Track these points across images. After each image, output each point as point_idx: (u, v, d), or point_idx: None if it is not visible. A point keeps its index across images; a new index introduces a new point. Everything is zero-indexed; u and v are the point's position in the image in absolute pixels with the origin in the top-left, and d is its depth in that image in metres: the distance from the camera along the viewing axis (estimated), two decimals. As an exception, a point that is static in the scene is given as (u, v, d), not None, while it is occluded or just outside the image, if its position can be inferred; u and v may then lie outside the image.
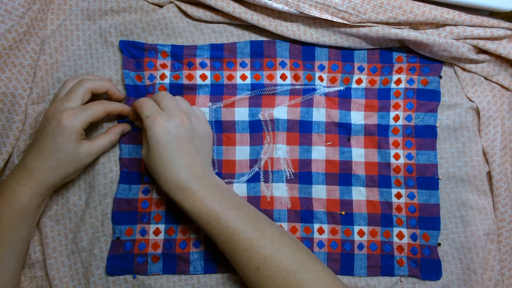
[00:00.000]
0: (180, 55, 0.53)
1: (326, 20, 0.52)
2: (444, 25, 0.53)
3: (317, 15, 0.50)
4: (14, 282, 0.46)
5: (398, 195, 0.53)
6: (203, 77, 0.53)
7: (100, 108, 0.47)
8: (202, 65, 0.53)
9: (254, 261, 0.42)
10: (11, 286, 0.45)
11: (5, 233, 0.43)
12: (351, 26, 0.52)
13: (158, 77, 0.53)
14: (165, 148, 0.43)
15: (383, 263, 0.51)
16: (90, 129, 0.51)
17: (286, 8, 0.51)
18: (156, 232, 0.50)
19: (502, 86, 0.55)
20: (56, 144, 0.44)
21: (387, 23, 0.52)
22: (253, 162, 0.53)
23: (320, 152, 0.53)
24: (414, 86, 0.54)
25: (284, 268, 0.41)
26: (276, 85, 0.54)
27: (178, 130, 0.44)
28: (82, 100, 0.47)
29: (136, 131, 0.52)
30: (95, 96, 0.49)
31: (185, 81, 0.53)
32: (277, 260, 0.41)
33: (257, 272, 0.41)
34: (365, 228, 0.52)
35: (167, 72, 0.53)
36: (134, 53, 0.53)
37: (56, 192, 0.50)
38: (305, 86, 0.54)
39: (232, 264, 0.45)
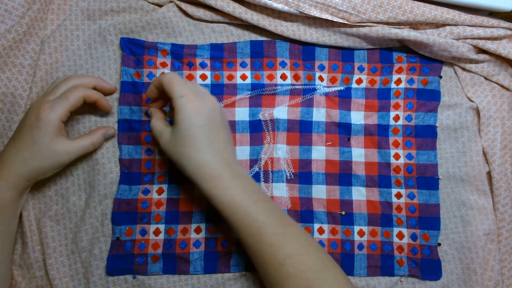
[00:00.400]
0: (180, 54, 0.53)
1: (326, 20, 0.52)
2: (444, 25, 0.53)
3: (317, 15, 0.50)
4: (4, 279, 0.45)
5: (398, 195, 0.53)
6: (203, 77, 0.53)
7: (75, 95, 0.45)
8: (202, 66, 0.53)
9: (278, 257, 0.41)
10: (2, 283, 0.45)
11: None
12: (351, 26, 0.52)
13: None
14: (200, 131, 0.41)
15: (383, 263, 0.51)
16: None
17: (286, 8, 0.51)
18: (156, 232, 0.50)
19: (502, 86, 0.55)
20: (32, 137, 0.43)
21: (387, 23, 0.52)
22: (253, 162, 0.53)
23: (320, 152, 0.53)
24: (414, 86, 0.54)
25: (308, 267, 0.41)
26: (276, 85, 0.54)
27: (212, 114, 0.42)
28: None
29: (135, 131, 0.52)
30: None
31: (185, 81, 0.53)
32: (302, 257, 0.41)
33: (281, 268, 0.40)
34: (365, 228, 0.52)
35: (167, 72, 0.53)
36: (134, 51, 0.53)
37: (56, 192, 0.50)
38: (305, 86, 0.54)
39: (253, 260, 0.43)
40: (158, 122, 0.45)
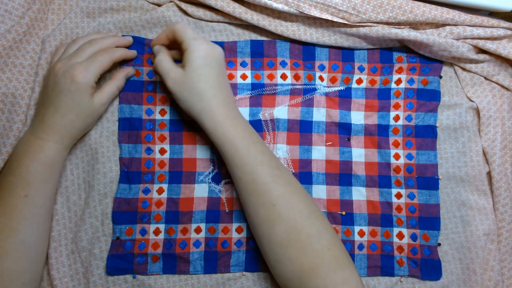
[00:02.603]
0: None
1: (326, 20, 0.52)
2: (444, 25, 0.53)
3: (317, 15, 0.50)
4: (45, 240, 0.47)
5: (398, 195, 0.53)
6: (203, 77, 0.53)
7: (106, 58, 0.47)
8: (202, 65, 0.53)
9: (271, 196, 0.43)
10: (44, 243, 0.47)
11: (36, 187, 0.44)
12: (351, 26, 0.52)
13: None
14: (210, 71, 0.45)
15: (383, 263, 0.51)
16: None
17: (286, 8, 0.51)
18: (156, 232, 0.50)
19: (502, 86, 0.55)
20: (73, 100, 0.45)
21: (387, 23, 0.52)
22: (253, 162, 0.53)
23: (320, 152, 0.53)
24: (414, 86, 0.54)
25: (298, 210, 0.43)
26: (276, 84, 0.54)
27: (219, 58, 0.46)
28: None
29: (135, 130, 0.52)
30: None
31: (185, 81, 0.53)
32: (292, 201, 0.43)
33: (272, 209, 0.43)
34: (365, 228, 0.52)
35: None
36: (135, 48, 0.53)
37: (55, 191, 0.50)
38: (306, 86, 0.54)
39: (246, 201, 0.45)
40: (166, 59, 0.47)
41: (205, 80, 0.44)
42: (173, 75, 0.45)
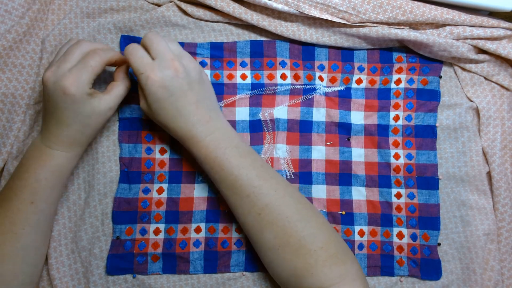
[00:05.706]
0: None
1: (326, 20, 0.52)
2: (444, 25, 0.53)
3: (317, 15, 0.50)
4: (45, 244, 0.48)
5: (398, 195, 0.53)
6: (203, 76, 0.53)
7: (98, 62, 0.44)
8: (202, 64, 0.53)
9: (256, 207, 0.43)
10: (44, 246, 0.47)
11: (43, 194, 0.44)
12: (351, 26, 0.52)
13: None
14: (167, 102, 0.43)
15: (383, 263, 0.51)
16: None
17: (286, 8, 0.51)
18: (156, 232, 0.50)
19: (502, 86, 0.55)
20: (73, 112, 0.43)
21: (387, 23, 0.52)
22: (253, 162, 0.53)
23: (320, 152, 0.53)
24: (414, 86, 0.54)
25: (285, 216, 0.42)
26: (276, 84, 0.54)
27: (174, 82, 0.43)
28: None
29: (135, 129, 0.52)
30: None
31: (185, 81, 0.53)
32: (278, 207, 0.43)
33: (258, 217, 0.43)
34: (365, 228, 0.52)
35: None
36: None
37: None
38: (305, 86, 0.54)
39: (233, 210, 0.46)
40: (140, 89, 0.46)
41: (162, 114, 0.44)
42: (141, 104, 0.46)
